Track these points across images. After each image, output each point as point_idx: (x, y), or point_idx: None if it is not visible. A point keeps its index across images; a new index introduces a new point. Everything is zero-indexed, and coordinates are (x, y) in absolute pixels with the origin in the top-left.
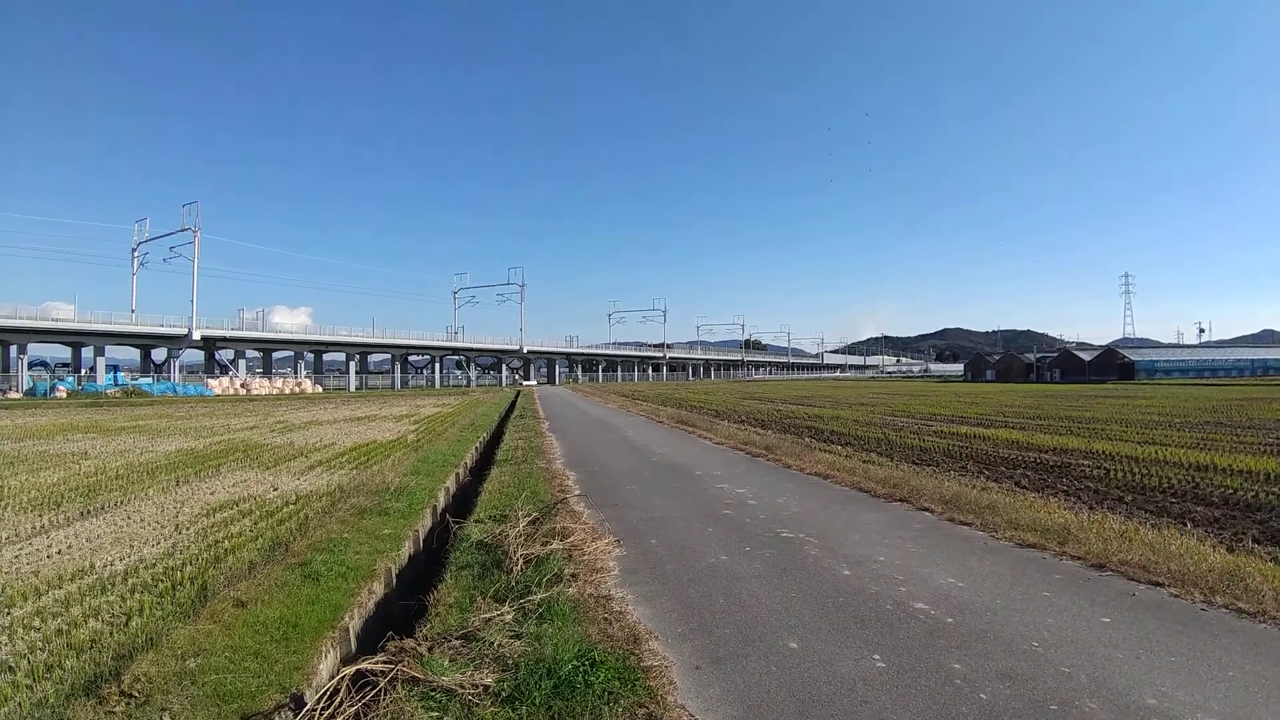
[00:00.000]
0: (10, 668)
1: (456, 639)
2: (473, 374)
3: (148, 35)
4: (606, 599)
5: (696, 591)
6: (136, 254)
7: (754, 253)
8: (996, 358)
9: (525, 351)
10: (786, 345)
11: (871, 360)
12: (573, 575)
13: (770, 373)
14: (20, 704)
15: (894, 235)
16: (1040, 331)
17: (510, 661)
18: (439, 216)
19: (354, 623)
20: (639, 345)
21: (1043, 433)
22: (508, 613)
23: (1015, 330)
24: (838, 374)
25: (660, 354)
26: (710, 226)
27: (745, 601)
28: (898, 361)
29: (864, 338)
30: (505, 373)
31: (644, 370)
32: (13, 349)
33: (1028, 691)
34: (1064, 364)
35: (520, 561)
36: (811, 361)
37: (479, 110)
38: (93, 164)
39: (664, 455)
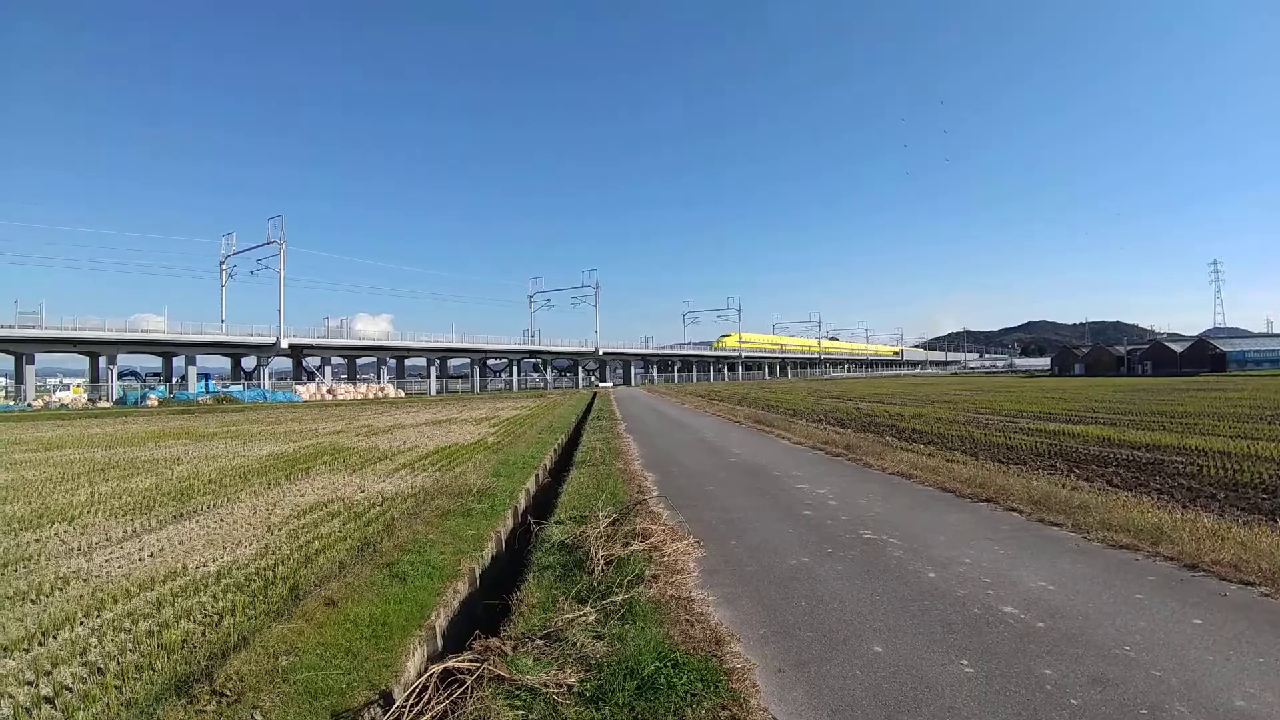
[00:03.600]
0: (99, 669)
1: (540, 639)
2: (549, 376)
3: (234, 52)
4: (687, 600)
5: (778, 594)
6: (225, 266)
7: (829, 248)
8: (1085, 351)
9: (601, 353)
10: (865, 342)
11: (953, 356)
12: (653, 576)
13: (848, 370)
14: (108, 705)
15: (974, 226)
16: (1130, 323)
17: (593, 662)
18: (513, 223)
19: (440, 621)
20: (714, 345)
21: (1134, 429)
22: (590, 613)
23: (1104, 322)
24: (918, 370)
25: (735, 353)
26: (784, 221)
27: (828, 604)
28: (980, 356)
29: (944, 333)
30: (581, 374)
31: (719, 370)
32: (102, 360)
33: (1118, 696)
34: (1154, 356)
35: (601, 562)
36: (891, 358)
37: (549, 119)
38: (179, 178)
39: (742, 455)
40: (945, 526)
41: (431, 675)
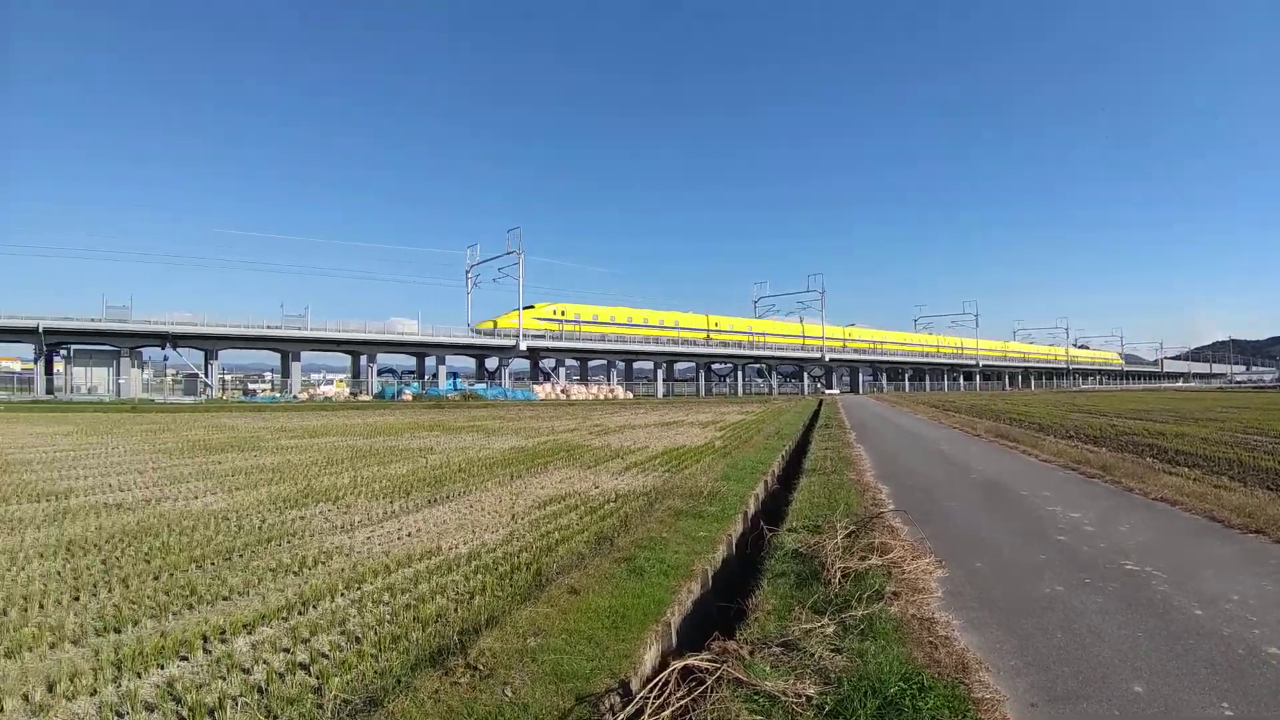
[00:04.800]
0: (356, 638)
1: (776, 646)
2: (774, 382)
3: (494, 63)
4: (930, 621)
5: (1030, 623)
6: (470, 275)
7: (1078, 251)
8: None
9: (827, 359)
10: (1119, 351)
11: (1218, 368)
12: (894, 594)
13: (1099, 382)
14: (363, 672)
15: (1245, 224)
16: None
17: (832, 675)
18: (736, 223)
19: (674, 619)
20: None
21: None
22: (828, 625)
23: None
24: (1179, 384)
25: (972, 361)
26: (1026, 217)
27: (1084, 638)
28: (1247, 369)
29: (1208, 342)
30: (806, 381)
31: (954, 378)
32: (363, 358)
33: None
34: None
35: (838, 575)
36: (1149, 370)
37: (752, 110)
38: (427, 195)
39: (984, 472)
40: (1213, 559)
41: (673, 671)
